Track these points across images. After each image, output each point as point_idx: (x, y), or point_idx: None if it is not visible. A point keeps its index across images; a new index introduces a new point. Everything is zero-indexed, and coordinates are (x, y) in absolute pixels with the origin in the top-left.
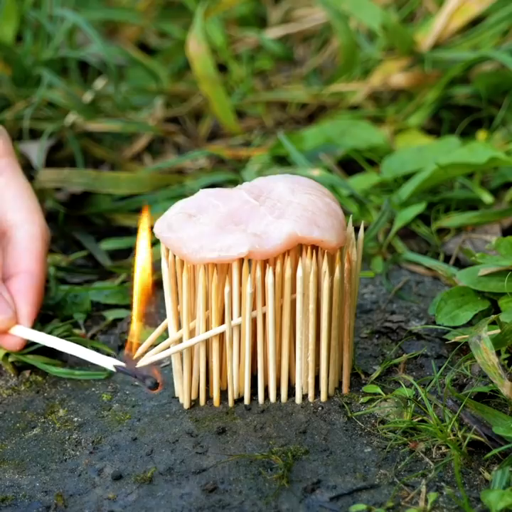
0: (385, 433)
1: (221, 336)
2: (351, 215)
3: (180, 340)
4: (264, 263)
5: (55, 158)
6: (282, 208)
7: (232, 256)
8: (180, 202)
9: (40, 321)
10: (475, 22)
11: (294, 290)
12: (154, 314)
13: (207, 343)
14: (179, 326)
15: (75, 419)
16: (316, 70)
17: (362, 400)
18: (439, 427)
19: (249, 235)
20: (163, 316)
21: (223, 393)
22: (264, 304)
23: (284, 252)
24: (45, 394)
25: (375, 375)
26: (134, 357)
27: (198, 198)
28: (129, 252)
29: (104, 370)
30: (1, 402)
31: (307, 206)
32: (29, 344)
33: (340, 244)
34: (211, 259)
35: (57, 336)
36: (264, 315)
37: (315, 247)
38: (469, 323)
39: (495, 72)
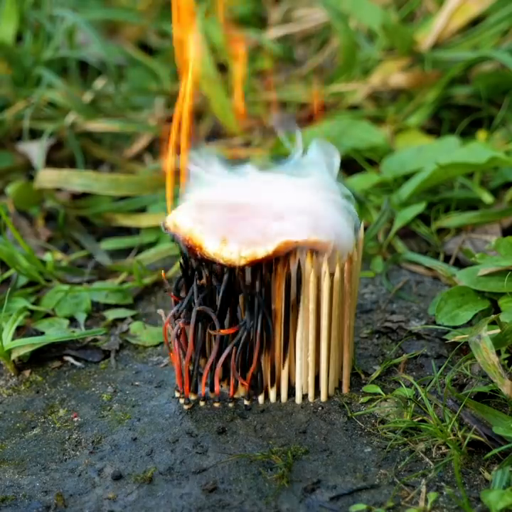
0: (385, 433)
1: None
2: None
3: None
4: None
5: (55, 158)
6: (282, 208)
7: (228, 258)
8: (186, 202)
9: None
10: (475, 22)
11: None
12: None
13: (205, 343)
14: None
15: (75, 419)
16: (316, 70)
17: (362, 399)
18: (439, 426)
19: (247, 235)
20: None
21: (223, 393)
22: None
23: (287, 253)
24: (45, 394)
25: (375, 375)
26: None
27: (200, 197)
28: (129, 252)
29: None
30: (1, 402)
31: (307, 207)
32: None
33: (341, 245)
34: (212, 259)
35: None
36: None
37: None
38: (469, 323)
39: (495, 72)
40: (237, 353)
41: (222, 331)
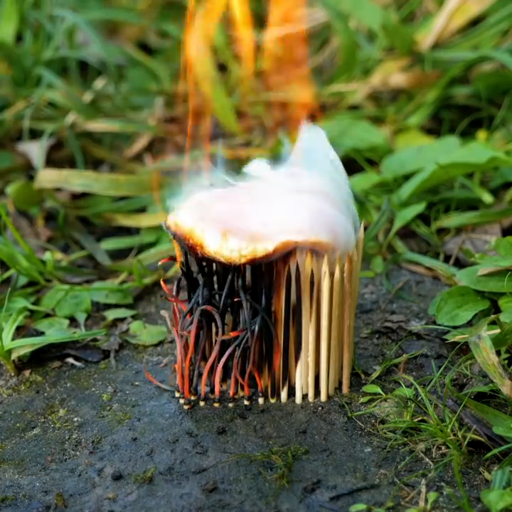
0: (385, 433)
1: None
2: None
3: None
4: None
5: (55, 158)
6: (280, 209)
7: (229, 256)
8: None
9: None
10: (475, 22)
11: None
12: (154, 314)
13: (206, 342)
14: None
15: (75, 419)
16: (316, 70)
17: (362, 399)
18: (439, 426)
19: (245, 236)
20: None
21: (223, 393)
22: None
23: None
24: (45, 394)
25: (375, 375)
26: None
27: (200, 197)
28: (129, 252)
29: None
30: (1, 402)
31: (306, 208)
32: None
33: (341, 245)
34: (212, 257)
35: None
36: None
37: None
38: (469, 323)
39: (495, 72)
40: (239, 355)
41: (231, 333)
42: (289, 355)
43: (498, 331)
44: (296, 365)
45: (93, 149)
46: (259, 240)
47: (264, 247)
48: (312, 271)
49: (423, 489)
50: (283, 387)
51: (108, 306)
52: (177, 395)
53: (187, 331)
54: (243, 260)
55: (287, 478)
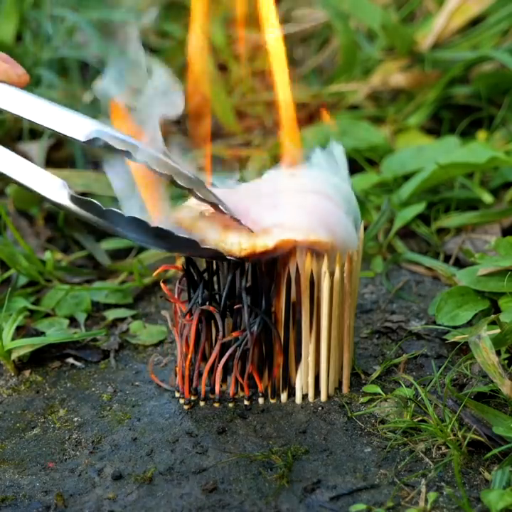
0: (385, 433)
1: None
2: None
3: None
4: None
5: (55, 158)
6: (280, 209)
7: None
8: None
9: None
10: (475, 22)
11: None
12: (154, 314)
13: (206, 342)
14: None
15: (75, 419)
16: (316, 70)
17: (362, 399)
18: (439, 426)
19: (245, 234)
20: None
21: (223, 393)
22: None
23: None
24: (45, 394)
25: (375, 375)
26: None
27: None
28: (129, 251)
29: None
30: (1, 402)
31: (306, 208)
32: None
33: (341, 245)
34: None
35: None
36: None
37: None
38: (469, 323)
39: (495, 72)
40: (239, 356)
41: (233, 333)
42: (289, 356)
43: (498, 331)
44: (296, 365)
45: (93, 149)
46: (259, 236)
47: (264, 242)
48: (312, 271)
49: (423, 489)
50: (283, 388)
51: (108, 306)
52: (177, 395)
53: (188, 320)
54: (243, 253)
55: (287, 478)
